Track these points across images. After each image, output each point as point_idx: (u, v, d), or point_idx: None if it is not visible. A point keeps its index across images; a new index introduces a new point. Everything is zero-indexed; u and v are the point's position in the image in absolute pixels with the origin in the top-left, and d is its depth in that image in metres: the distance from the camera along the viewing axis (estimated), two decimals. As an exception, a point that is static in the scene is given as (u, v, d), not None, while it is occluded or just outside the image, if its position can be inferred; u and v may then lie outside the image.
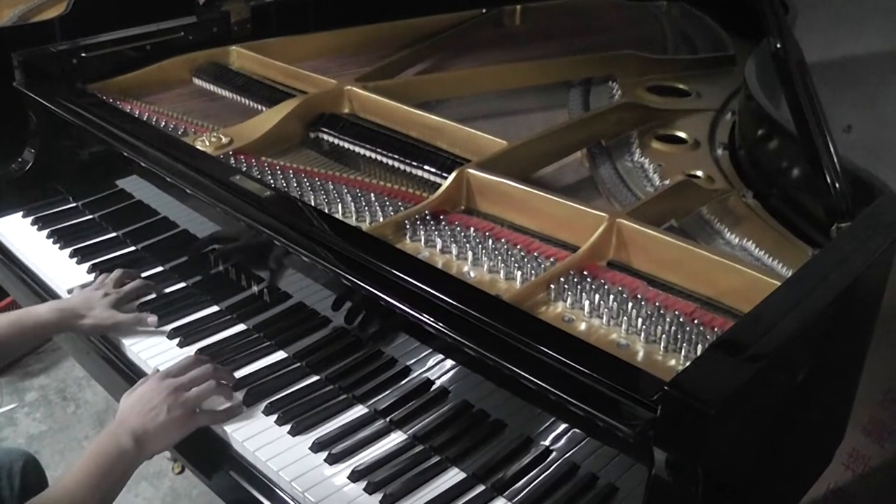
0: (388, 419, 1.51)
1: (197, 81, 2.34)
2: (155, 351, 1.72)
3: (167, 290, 1.90)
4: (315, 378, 1.62)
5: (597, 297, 1.44)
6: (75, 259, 2.01)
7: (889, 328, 1.67)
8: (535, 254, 1.56)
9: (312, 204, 1.71)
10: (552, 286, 1.46)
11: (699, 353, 1.31)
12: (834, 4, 3.16)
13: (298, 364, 1.65)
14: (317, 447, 1.46)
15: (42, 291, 1.97)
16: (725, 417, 1.07)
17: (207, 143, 1.88)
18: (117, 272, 1.87)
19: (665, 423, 1.09)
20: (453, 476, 1.41)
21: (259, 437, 1.50)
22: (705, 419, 1.04)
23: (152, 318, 1.78)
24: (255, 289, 1.74)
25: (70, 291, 1.90)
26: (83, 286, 1.87)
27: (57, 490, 1.38)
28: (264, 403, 1.56)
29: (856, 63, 3.18)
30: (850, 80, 3.14)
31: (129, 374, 1.73)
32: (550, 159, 1.91)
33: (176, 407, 1.48)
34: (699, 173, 1.86)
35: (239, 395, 1.57)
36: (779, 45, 1.53)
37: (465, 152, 1.87)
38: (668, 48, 2.68)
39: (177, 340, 1.74)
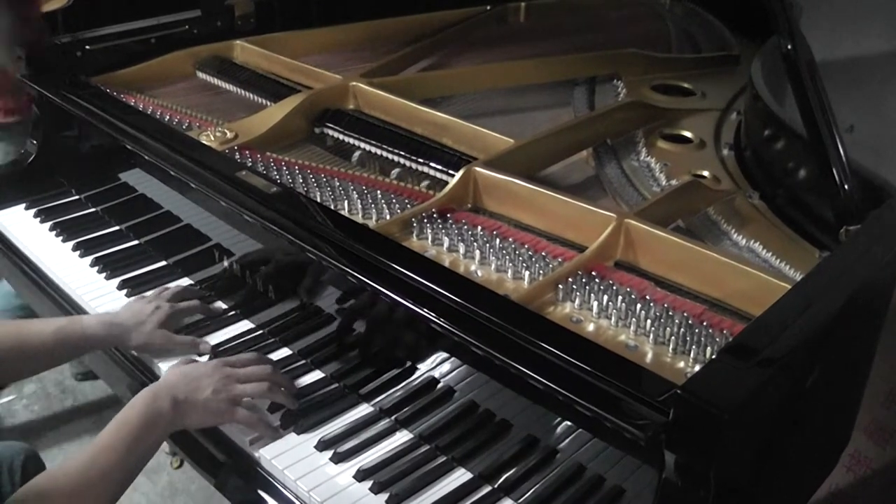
0: (393, 418, 1.51)
1: (201, 75, 2.34)
2: (158, 346, 1.71)
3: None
4: (320, 376, 1.62)
5: (605, 297, 1.43)
6: (78, 252, 2.01)
7: (893, 329, 1.66)
8: (543, 253, 1.55)
9: (318, 200, 1.70)
10: (560, 286, 1.45)
11: (708, 355, 1.31)
12: (837, 4, 3.15)
13: (303, 361, 1.65)
14: (322, 446, 1.46)
15: (44, 284, 1.97)
16: (738, 421, 1.06)
17: (212, 138, 1.87)
18: (177, 287, 1.80)
19: (677, 427, 1.08)
20: (459, 476, 1.41)
21: (264, 435, 1.49)
22: (719, 423, 1.04)
23: (206, 345, 1.69)
24: (259, 285, 1.74)
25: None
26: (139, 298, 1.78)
27: (92, 448, 1.35)
28: (269, 401, 1.55)
29: (859, 63, 3.17)
30: (853, 80, 3.13)
31: (130, 367, 1.72)
32: (557, 158, 1.90)
33: (222, 391, 1.45)
34: (705, 173, 1.85)
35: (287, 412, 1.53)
36: (790, 46, 1.52)
37: (471, 150, 1.86)
38: (673, 47, 2.67)
39: (180, 336, 1.73)
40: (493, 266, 1.53)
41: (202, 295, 1.82)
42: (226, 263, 1.80)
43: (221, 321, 1.77)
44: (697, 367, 1.28)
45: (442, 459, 1.43)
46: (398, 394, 1.52)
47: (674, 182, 1.77)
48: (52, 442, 2.90)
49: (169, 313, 1.71)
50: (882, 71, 3.17)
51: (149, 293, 1.78)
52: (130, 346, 1.69)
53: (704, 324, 1.37)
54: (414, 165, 1.87)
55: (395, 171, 1.87)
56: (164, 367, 1.66)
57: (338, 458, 1.43)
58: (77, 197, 2.22)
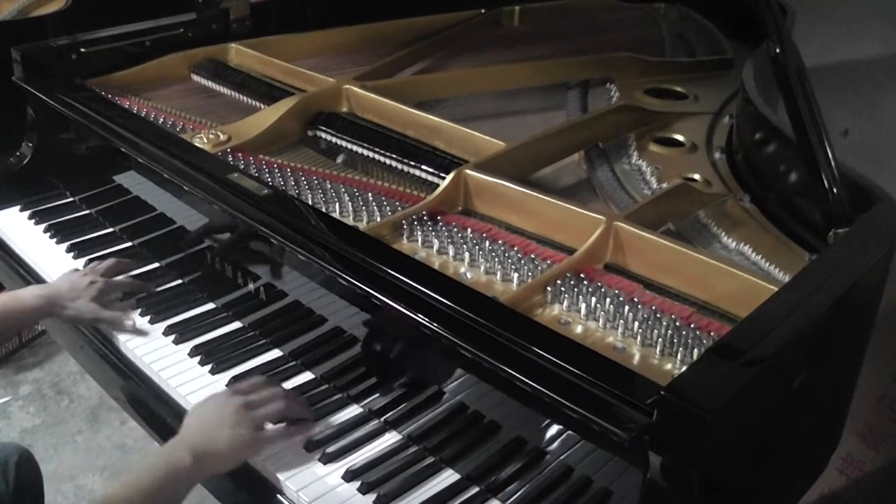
0: (382, 419, 1.51)
1: (196, 78, 2.34)
2: (149, 347, 1.72)
3: (162, 287, 1.90)
4: (310, 377, 1.62)
5: (593, 299, 1.44)
6: (72, 254, 2.01)
7: (884, 333, 1.66)
8: (532, 256, 1.56)
9: (310, 203, 1.71)
10: (549, 288, 1.46)
11: (695, 357, 1.31)
12: (831, 8, 3.16)
13: (293, 363, 1.65)
14: (311, 447, 1.46)
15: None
16: (722, 423, 1.06)
17: (205, 140, 1.88)
18: (112, 261, 1.87)
19: (661, 428, 1.09)
20: (448, 477, 1.41)
21: (254, 436, 1.49)
22: (703, 424, 1.04)
23: (130, 322, 1.76)
24: (251, 286, 1.74)
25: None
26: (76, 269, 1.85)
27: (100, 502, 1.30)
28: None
29: (853, 67, 3.18)
30: (847, 85, 3.14)
31: (124, 369, 1.73)
32: (548, 161, 1.91)
33: (242, 424, 1.38)
34: (696, 177, 1.85)
35: (315, 427, 1.51)
36: (778, 50, 1.53)
37: (463, 153, 1.87)
38: (666, 51, 2.68)
39: (172, 337, 1.73)
40: (482, 268, 1.54)
41: (132, 266, 1.91)
42: (217, 265, 1.81)
43: (213, 323, 1.78)
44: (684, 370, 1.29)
45: (430, 460, 1.43)
46: (387, 395, 1.52)
47: (664, 185, 1.77)
48: (48, 444, 2.90)
49: (103, 289, 1.78)
50: (878, 74, 3.18)
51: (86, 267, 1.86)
52: (64, 317, 1.77)
53: (692, 326, 1.37)
54: (406, 168, 1.88)
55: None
56: (156, 367, 1.66)
57: (326, 459, 1.43)
58: (72, 199, 2.23)
